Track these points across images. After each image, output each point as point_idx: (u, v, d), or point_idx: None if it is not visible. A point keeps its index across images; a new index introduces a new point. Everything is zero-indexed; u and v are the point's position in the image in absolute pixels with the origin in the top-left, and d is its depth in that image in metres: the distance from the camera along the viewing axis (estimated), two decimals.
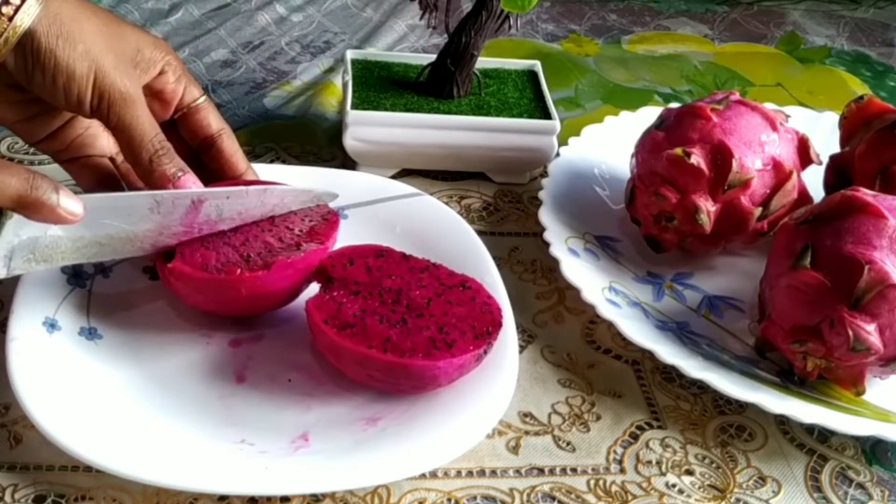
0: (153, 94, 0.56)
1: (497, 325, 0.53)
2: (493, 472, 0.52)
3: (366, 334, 0.51)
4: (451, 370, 0.51)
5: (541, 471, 0.53)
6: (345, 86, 0.75)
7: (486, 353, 0.53)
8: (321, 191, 0.59)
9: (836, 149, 0.68)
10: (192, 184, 0.54)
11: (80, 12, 0.52)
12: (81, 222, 0.50)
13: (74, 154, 0.57)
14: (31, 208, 0.48)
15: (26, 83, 0.51)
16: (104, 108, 0.52)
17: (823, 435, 0.57)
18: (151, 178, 0.53)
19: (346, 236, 0.62)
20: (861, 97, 0.67)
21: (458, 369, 0.52)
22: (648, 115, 0.73)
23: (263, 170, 0.66)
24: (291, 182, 0.65)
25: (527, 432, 0.55)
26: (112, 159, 0.58)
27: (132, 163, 0.54)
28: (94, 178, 0.57)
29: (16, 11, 0.49)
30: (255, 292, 0.54)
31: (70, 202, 0.49)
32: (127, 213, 0.52)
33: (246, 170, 0.59)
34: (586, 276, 0.62)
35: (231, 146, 0.59)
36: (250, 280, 0.53)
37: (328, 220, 0.58)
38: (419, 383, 0.52)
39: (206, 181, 0.56)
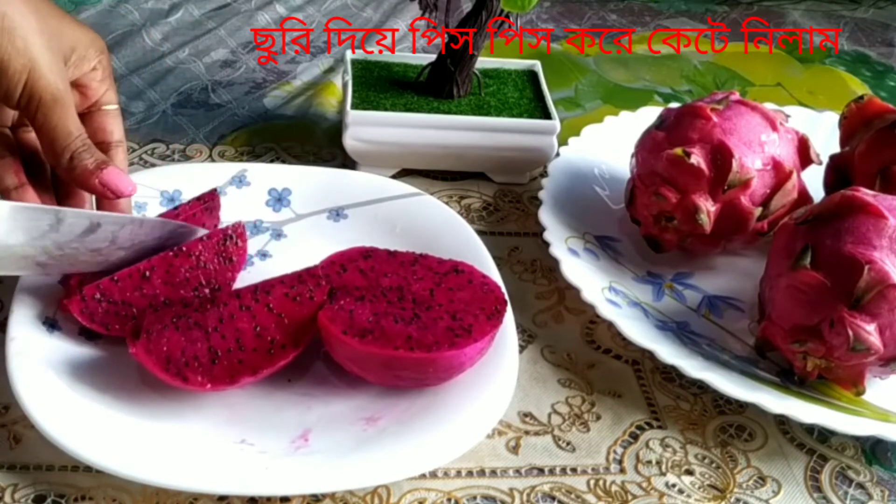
0: (77, 86, 0.56)
1: (502, 302, 0.54)
2: (493, 472, 0.52)
3: (387, 337, 0.51)
4: (474, 354, 0.52)
5: (541, 471, 0.53)
6: (345, 86, 0.75)
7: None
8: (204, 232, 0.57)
9: (836, 149, 0.68)
10: (115, 176, 0.53)
11: (25, 6, 0.51)
12: None
13: None
14: None
15: None
16: (32, 108, 0.52)
17: (823, 435, 0.57)
18: (73, 175, 0.53)
19: (346, 236, 0.62)
20: (861, 97, 0.67)
21: (480, 352, 0.53)
22: (648, 115, 0.73)
23: (264, 170, 0.66)
24: (294, 182, 0.66)
25: (527, 432, 0.55)
26: (13, 128, 0.57)
27: (52, 162, 0.54)
28: None
29: None
30: (216, 391, 0.51)
31: None
32: (27, 227, 0.50)
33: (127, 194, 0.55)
34: (586, 276, 0.62)
35: (122, 162, 0.57)
36: (210, 389, 0.51)
37: (313, 298, 0.53)
38: (446, 374, 0.52)
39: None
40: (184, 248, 0.55)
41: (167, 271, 0.54)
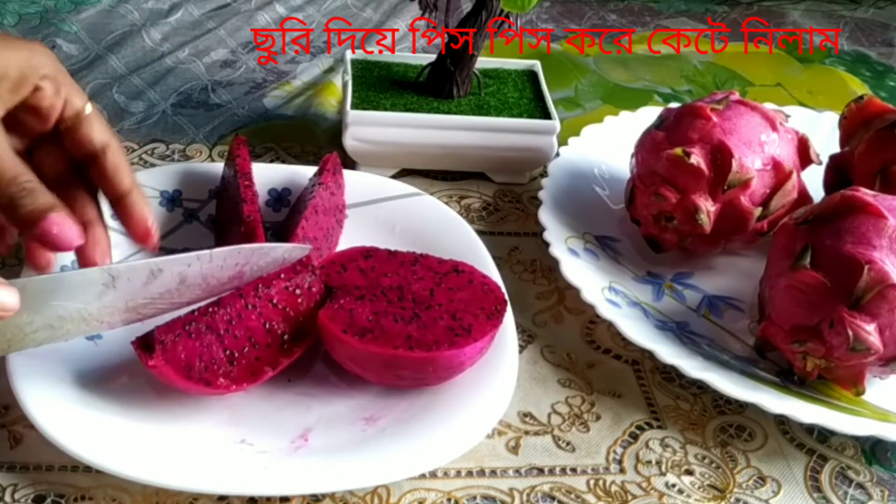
0: (28, 109, 0.50)
1: (503, 302, 0.55)
2: (493, 472, 0.52)
3: (386, 336, 0.51)
4: (474, 354, 0.52)
5: (540, 471, 0.53)
6: (345, 86, 0.75)
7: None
8: (289, 246, 0.54)
9: (836, 149, 0.68)
10: (60, 222, 0.47)
11: None
12: (30, 307, 0.46)
13: None
14: None
15: None
16: None
17: (823, 435, 0.57)
18: (15, 216, 0.47)
19: (345, 236, 0.62)
20: (861, 97, 0.67)
21: (480, 352, 0.53)
22: (648, 115, 0.73)
23: (263, 170, 0.66)
24: (294, 182, 0.66)
25: (527, 432, 0.55)
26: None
27: None
28: None
29: None
30: (240, 391, 0.51)
31: (3, 294, 0.44)
32: (80, 291, 0.48)
33: (129, 188, 0.52)
34: (586, 276, 0.62)
35: (114, 162, 0.51)
36: (235, 390, 0.51)
37: (311, 288, 0.54)
38: (446, 373, 0.52)
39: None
40: (324, 182, 0.60)
41: (321, 202, 0.59)
